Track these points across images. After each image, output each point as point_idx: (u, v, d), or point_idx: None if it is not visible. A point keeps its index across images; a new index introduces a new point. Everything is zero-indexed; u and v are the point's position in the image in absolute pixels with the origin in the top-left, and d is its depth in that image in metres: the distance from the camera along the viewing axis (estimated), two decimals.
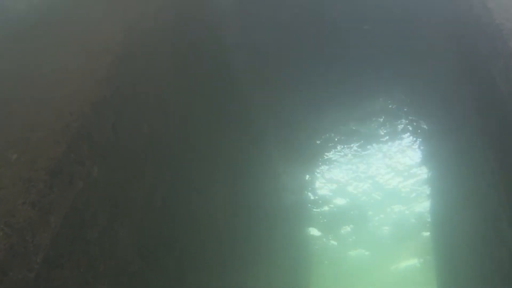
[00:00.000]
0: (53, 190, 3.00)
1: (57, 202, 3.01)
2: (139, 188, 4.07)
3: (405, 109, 10.12)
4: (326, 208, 15.89)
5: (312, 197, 14.97)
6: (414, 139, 11.64)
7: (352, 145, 12.38)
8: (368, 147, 12.46)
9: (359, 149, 12.61)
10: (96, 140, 3.51)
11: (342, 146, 12.43)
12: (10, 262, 2.65)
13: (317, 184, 14.65)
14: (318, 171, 13.76)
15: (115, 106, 3.77)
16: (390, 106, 10.03)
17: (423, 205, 15.18)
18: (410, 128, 11.09)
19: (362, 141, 12.07)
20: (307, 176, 13.82)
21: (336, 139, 11.82)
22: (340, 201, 15.84)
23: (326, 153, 12.70)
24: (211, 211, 5.74)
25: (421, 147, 11.78)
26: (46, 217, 2.91)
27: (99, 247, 3.43)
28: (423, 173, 13.28)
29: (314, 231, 17.19)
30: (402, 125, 10.98)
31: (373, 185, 15.08)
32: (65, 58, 3.83)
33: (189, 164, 5.16)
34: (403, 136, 11.61)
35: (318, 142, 11.76)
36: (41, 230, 2.86)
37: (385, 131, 11.35)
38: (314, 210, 15.80)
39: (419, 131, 10.86)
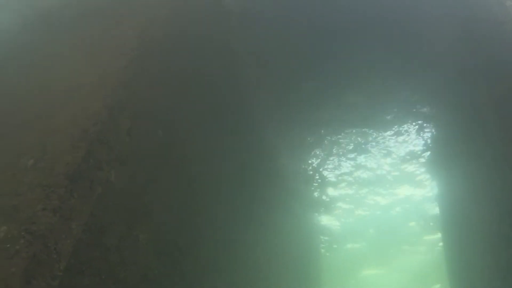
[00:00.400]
0: (73, 196, 2.94)
1: (78, 208, 2.96)
2: (155, 193, 4.02)
3: (420, 106, 10.03)
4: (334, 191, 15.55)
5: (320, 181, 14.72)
6: (427, 131, 11.46)
7: (358, 131, 12.16)
8: (376, 135, 12.26)
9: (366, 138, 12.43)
10: (112, 145, 3.45)
11: (347, 134, 12.24)
12: (34, 271, 2.59)
13: (324, 171, 14.46)
14: (324, 158, 13.56)
15: (130, 110, 3.73)
16: (405, 101, 9.93)
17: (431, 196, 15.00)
18: (425, 124, 10.98)
19: (370, 129, 11.85)
20: (314, 164, 13.61)
21: (341, 128, 11.68)
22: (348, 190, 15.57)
23: (333, 142, 12.53)
24: (227, 212, 5.69)
25: (434, 142, 11.61)
26: (67, 223, 2.85)
27: (119, 253, 3.37)
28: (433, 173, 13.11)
29: (324, 220, 16.90)
30: (415, 119, 10.86)
31: (376, 177, 14.86)
32: (80, 63, 3.79)
33: (203, 166, 5.11)
34: (415, 128, 11.45)
35: (323, 131, 11.64)
36: (63, 236, 2.80)
37: (395, 123, 11.22)
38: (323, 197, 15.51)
39: (434, 124, 10.74)
